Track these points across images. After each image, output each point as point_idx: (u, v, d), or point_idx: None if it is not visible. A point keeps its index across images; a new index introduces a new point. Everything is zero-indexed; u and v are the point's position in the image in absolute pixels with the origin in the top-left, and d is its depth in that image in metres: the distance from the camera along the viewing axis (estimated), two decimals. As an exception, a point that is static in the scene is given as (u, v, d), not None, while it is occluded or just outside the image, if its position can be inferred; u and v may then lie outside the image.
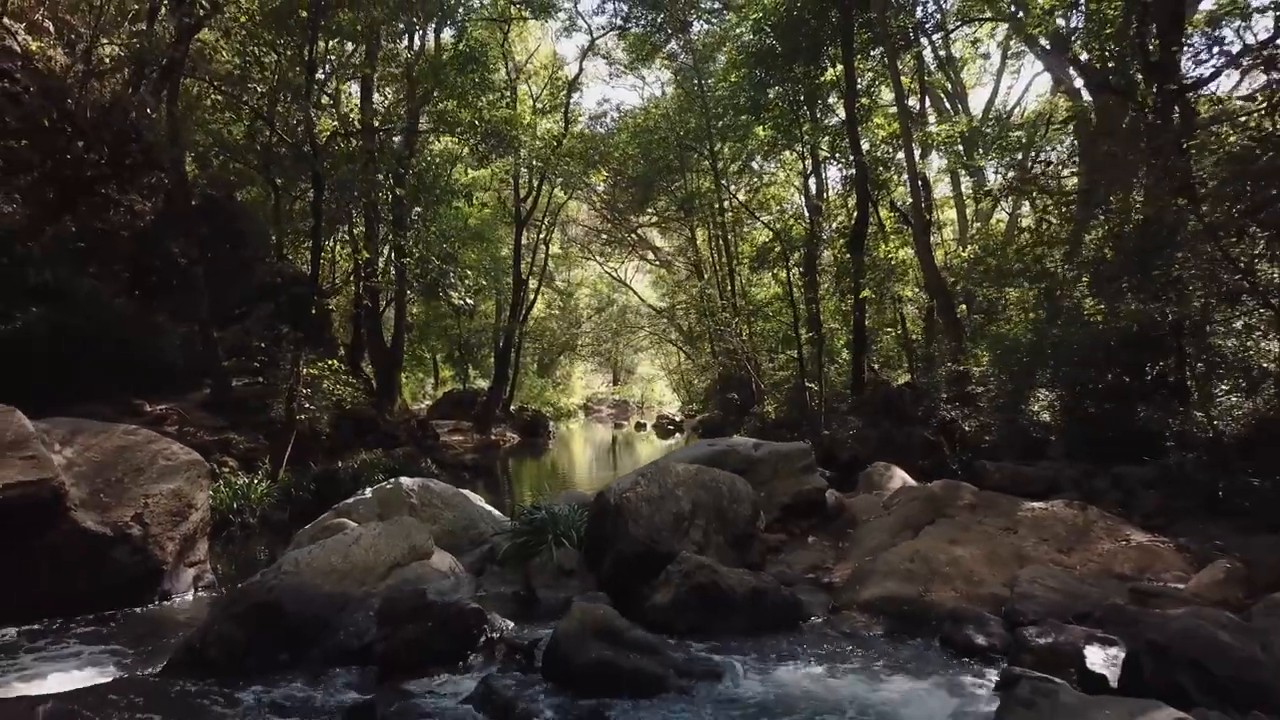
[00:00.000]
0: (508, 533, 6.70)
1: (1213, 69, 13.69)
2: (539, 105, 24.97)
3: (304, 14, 11.74)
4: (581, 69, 24.45)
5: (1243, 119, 10.93)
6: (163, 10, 14.87)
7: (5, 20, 16.70)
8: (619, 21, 23.25)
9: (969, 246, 21.88)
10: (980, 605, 5.23)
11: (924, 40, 17.07)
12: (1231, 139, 10.41)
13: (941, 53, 21.56)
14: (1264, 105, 9.83)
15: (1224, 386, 11.00)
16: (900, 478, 9.12)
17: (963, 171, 26.07)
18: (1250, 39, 12.35)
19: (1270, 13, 11.69)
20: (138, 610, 7.07)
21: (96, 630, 6.47)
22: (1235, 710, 3.37)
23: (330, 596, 5.16)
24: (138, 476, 7.59)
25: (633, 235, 34.02)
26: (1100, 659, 4.05)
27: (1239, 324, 10.81)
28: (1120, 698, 3.17)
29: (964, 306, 18.22)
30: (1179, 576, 6.11)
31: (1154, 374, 11.51)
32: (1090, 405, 11.19)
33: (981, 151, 25.61)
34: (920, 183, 19.20)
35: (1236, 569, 5.70)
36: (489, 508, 7.94)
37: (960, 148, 26.99)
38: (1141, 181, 12.70)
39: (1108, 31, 14.60)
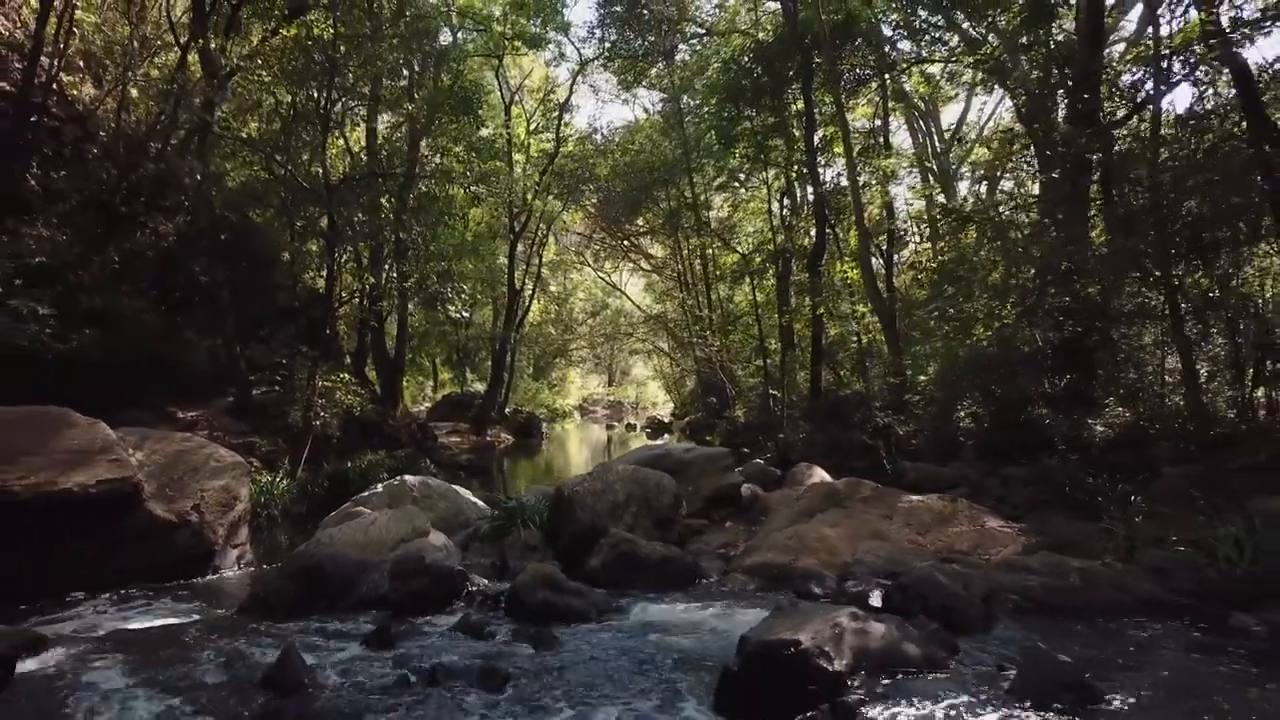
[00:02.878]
0: (488, 518, 8.78)
1: (1125, 111, 15.78)
2: (533, 125, 27.08)
3: (318, 69, 13.80)
4: (572, 91, 26.54)
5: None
6: (191, 58, 16.93)
7: (40, 58, 18.81)
8: (606, 47, 25.24)
9: (938, 258, 23.90)
10: (832, 569, 7.26)
11: (879, 78, 18.98)
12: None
13: (906, 85, 23.52)
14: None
15: (1111, 399, 13.12)
16: (819, 475, 11.15)
17: (936, 187, 28.04)
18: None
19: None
20: (196, 581, 9.08)
21: (169, 594, 8.47)
22: (942, 624, 5.41)
23: (355, 562, 7.22)
24: (194, 474, 9.65)
25: (625, 242, 36.09)
26: (879, 597, 6.10)
27: (1138, 343, 12.93)
28: (836, 605, 5.20)
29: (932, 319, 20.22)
30: (999, 551, 8.14)
31: (1063, 386, 13.59)
32: (1001, 414, 13.24)
33: (953, 165, 27.53)
34: (884, 209, 21.19)
35: (1030, 544, 7.75)
36: (475, 499, 10.02)
37: (933, 164, 28.92)
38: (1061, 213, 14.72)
39: (1035, 75, 16.61)
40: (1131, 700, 4.17)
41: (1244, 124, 11.26)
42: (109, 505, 8.64)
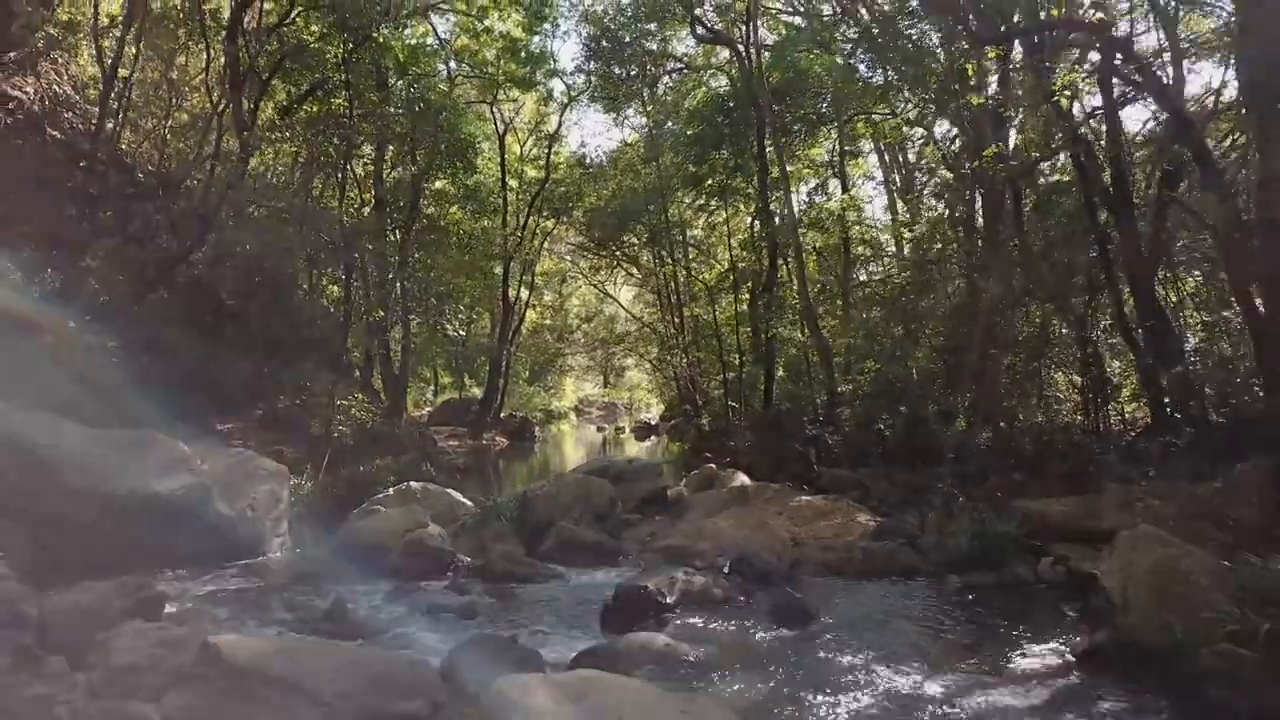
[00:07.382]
0: (472, 514, 12.04)
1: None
2: (526, 150, 30.35)
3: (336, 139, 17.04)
4: (561, 122, 29.78)
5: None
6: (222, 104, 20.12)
7: (85, 105, 22.16)
8: (593, 82, 28.39)
9: (901, 275, 27.04)
10: (715, 551, 10.40)
11: (833, 123, 22.13)
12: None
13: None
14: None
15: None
16: (741, 479, 14.31)
17: (902, 208, 31.07)
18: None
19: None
20: (251, 562, 12.27)
21: (235, 571, 11.67)
22: (756, 581, 8.57)
23: (376, 545, 10.47)
24: (248, 480, 12.86)
25: (617, 253, 39.28)
26: (729, 566, 9.30)
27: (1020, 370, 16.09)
28: (679, 567, 8.38)
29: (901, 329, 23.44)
30: (851, 537, 11.27)
31: (965, 404, 16.77)
32: (902, 427, 16.40)
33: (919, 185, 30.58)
34: (841, 239, 24.28)
35: (872, 531, 10.89)
36: (465, 500, 13.27)
37: (899, 186, 31.85)
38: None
39: (954, 133, 19.73)
40: (833, 620, 7.37)
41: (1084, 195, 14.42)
42: (187, 504, 11.87)
